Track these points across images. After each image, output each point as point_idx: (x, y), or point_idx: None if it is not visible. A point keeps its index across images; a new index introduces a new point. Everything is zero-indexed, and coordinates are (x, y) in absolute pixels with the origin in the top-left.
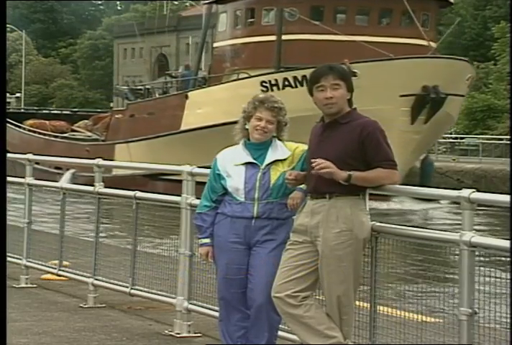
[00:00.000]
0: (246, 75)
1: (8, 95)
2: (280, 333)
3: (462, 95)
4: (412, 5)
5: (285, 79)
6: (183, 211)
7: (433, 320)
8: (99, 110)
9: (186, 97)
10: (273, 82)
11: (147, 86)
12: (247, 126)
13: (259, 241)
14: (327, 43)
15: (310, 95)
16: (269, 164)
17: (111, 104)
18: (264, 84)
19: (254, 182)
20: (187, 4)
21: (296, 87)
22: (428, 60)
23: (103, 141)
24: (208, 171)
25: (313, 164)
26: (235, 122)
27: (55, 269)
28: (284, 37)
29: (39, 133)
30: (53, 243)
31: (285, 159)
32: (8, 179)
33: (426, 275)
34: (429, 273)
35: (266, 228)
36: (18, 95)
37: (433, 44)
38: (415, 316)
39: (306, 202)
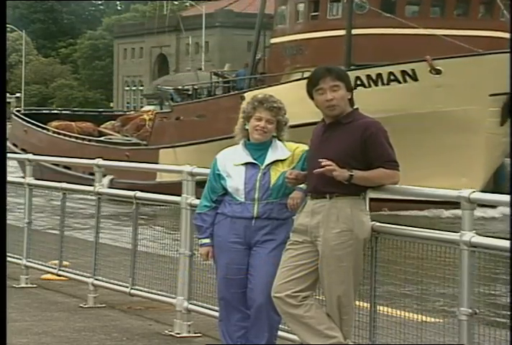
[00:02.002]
0: None
1: (8, 95)
2: (280, 333)
3: None
4: None
5: (357, 78)
6: (183, 211)
7: (433, 320)
8: (147, 109)
9: (242, 98)
10: None
11: (195, 86)
12: (246, 127)
13: (259, 241)
14: (401, 38)
15: (310, 98)
16: (269, 164)
17: (111, 104)
18: None
19: (254, 182)
20: (187, 4)
21: (370, 86)
22: None
23: (145, 145)
24: (207, 171)
25: (322, 163)
26: (300, 125)
27: (55, 269)
28: (352, 32)
29: (70, 136)
30: (53, 243)
31: (285, 160)
32: (9, 179)
33: (426, 275)
34: (429, 273)
35: (266, 229)
36: (18, 95)
37: None
38: (415, 316)
39: (306, 202)
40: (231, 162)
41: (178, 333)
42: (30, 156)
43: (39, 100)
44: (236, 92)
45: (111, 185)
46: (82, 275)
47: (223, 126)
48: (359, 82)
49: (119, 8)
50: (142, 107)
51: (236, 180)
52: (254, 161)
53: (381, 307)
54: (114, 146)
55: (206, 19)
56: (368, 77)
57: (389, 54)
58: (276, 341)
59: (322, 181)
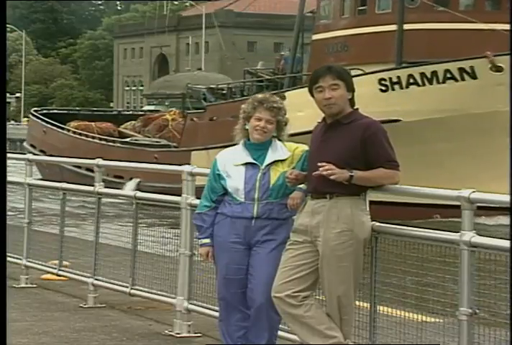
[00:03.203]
0: (360, 72)
1: (8, 95)
2: (280, 333)
3: None
4: None
5: (410, 76)
6: (183, 211)
7: (433, 320)
8: (146, 108)
9: (283, 98)
10: (395, 79)
11: (230, 85)
12: (246, 127)
13: (259, 241)
14: (456, 33)
15: (311, 96)
16: (269, 164)
17: (111, 104)
18: (383, 82)
19: (254, 182)
20: (187, 4)
21: (424, 85)
22: None
23: (175, 147)
24: (207, 171)
25: (320, 169)
26: None
27: (55, 269)
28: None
29: (93, 137)
30: (53, 243)
31: (284, 160)
32: (9, 179)
33: (426, 275)
34: (429, 273)
35: (266, 229)
36: (18, 95)
37: None
38: (415, 316)
39: (307, 202)
40: (231, 162)
41: (178, 333)
42: (30, 156)
43: (39, 100)
44: (276, 91)
45: (138, 188)
46: (82, 275)
47: None
48: (412, 80)
49: (119, 8)
50: (141, 107)
51: (236, 180)
52: (254, 161)
53: (381, 307)
54: (142, 148)
55: (205, 19)
56: (422, 75)
57: (443, 50)
58: (276, 341)
59: (322, 181)
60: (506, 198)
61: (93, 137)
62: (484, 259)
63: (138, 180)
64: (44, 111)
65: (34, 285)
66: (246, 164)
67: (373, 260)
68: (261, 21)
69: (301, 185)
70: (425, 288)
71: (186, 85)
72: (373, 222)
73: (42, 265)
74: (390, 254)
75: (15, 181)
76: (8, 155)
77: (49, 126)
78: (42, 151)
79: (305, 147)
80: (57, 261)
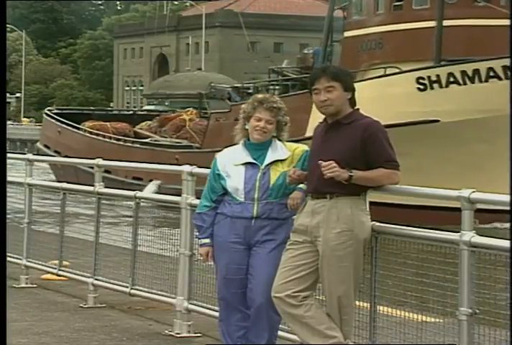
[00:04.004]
0: (396, 70)
1: (8, 95)
2: (280, 333)
3: None
4: None
5: (450, 74)
6: (183, 211)
7: (433, 320)
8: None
9: None
10: (434, 78)
11: (256, 84)
12: (246, 127)
13: (259, 241)
14: (498, 29)
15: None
16: (269, 164)
17: (111, 104)
18: (421, 81)
19: (254, 182)
20: (187, 4)
21: (465, 84)
22: None
23: (197, 148)
24: (207, 171)
25: (323, 169)
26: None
27: (55, 269)
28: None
29: (111, 137)
30: (53, 243)
31: (284, 160)
32: (9, 179)
33: (426, 275)
34: (429, 273)
35: (266, 228)
36: (18, 95)
37: None
38: (415, 316)
39: (307, 202)
40: (231, 162)
41: (178, 333)
42: (30, 156)
43: (39, 100)
44: (305, 91)
45: (159, 191)
46: (82, 275)
47: (290, 128)
48: (452, 79)
49: (118, 8)
50: (142, 107)
51: (235, 180)
52: (253, 161)
53: (381, 307)
54: (162, 149)
55: (206, 19)
56: (463, 73)
57: (484, 47)
58: (276, 341)
59: (322, 181)
60: (506, 198)
61: (111, 138)
62: (484, 259)
63: (159, 181)
64: (58, 111)
65: (34, 285)
66: (246, 164)
67: (373, 260)
68: (261, 21)
69: (301, 185)
70: (425, 288)
71: (209, 84)
72: (373, 222)
73: (42, 265)
74: (390, 254)
75: (15, 181)
76: (9, 155)
77: (64, 126)
78: (56, 152)
79: (305, 147)
80: (57, 261)
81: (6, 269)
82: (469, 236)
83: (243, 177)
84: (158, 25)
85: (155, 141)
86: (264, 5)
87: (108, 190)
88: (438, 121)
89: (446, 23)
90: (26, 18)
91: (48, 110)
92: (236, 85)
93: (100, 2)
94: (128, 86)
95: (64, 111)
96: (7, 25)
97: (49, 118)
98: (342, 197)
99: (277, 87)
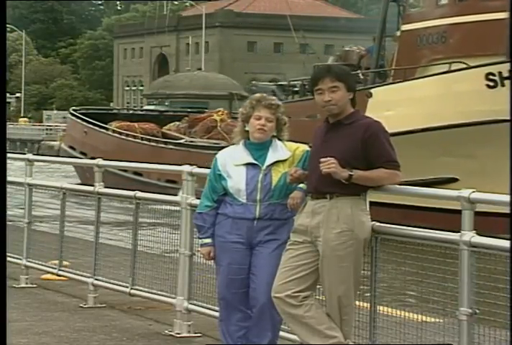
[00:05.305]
0: (463, 66)
1: (8, 95)
2: (280, 333)
3: None
4: None
5: None
6: (183, 211)
7: (433, 320)
8: (190, 110)
9: (369, 95)
10: (505, 74)
11: (304, 81)
12: (246, 128)
13: (261, 241)
14: None
15: (313, 97)
16: (270, 165)
17: (111, 104)
18: (491, 77)
19: (256, 183)
20: (187, 4)
21: None
22: None
23: None
24: (207, 171)
25: (321, 165)
26: (445, 127)
27: (55, 269)
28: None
29: (142, 138)
30: (53, 243)
31: (285, 160)
32: (8, 179)
33: (426, 275)
34: (429, 273)
35: (268, 229)
36: (18, 95)
37: None
38: (415, 316)
39: (307, 202)
40: (232, 162)
41: (178, 333)
42: (30, 156)
43: (39, 100)
44: (361, 88)
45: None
46: (82, 275)
47: None
48: None
49: (118, 8)
50: (142, 107)
51: (237, 181)
52: (254, 161)
53: (381, 307)
54: (198, 150)
55: (205, 19)
56: None
57: None
58: (277, 341)
59: (322, 181)
60: (506, 198)
61: (142, 138)
62: (484, 259)
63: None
64: (83, 111)
65: (34, 285)
66: (247, 164)
67: (373, 260)
68: (261, 21)
69: (301, 185)
70: (425, 288)
71: (250, 82)
72: (373, 222)
73: (42, 265)
74: (390, 254)
75: (15, 181)
76: (8, 155)
77: (90, 126)
78: (82, 153)
79: (306, 147)
80: (57, 261)
81: (6, 269)
82: (469, 236)
83: (244, 178)
84: (158, 25)
85: (190, 142)
86: (264, 5)
87: (108, 190)
88: (509, 120)
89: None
90: (26, 18)
91: (73, 110)
92: (281, 82)
93: (100, 2)
94: (128, 86)
95: (89, 111)
96: (7, 25)
97: (74, 118)
98: (342, 197)
99: None
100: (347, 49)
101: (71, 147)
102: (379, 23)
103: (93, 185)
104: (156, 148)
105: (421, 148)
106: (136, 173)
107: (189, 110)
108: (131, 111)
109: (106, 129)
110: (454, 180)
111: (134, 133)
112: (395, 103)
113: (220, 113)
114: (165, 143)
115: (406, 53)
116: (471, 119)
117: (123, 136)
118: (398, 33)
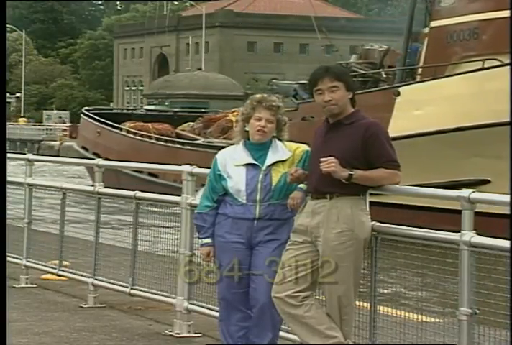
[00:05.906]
0: (497, 63)
1: (8, 95)
2: (280, 333)
3: None
4: None
5: None
6: (183, 211)
7: (433, 320)
8: (203, 110)
9: (396, 94)
10: None
11: None
12: (246, 128)
13: (261, 241)
14: None
15: (312, 97)
16: (270, 165)
17: (111, 104)
18: None
19: (256, 183)
20: (187, 4)
21: None
22: None
23: None
24: (207, 171)
25: (322, 164)
26: (478, 127)
27: (55, 269)
28: None
29: (158, 139)
30: (53, 243)
31: (285, 160)
32: (9, 179)
33: (426, 275)
34: (429, 273)
35: (268, 229)
36: (18, 95)
37: None
38: (415, 316)
39: (307, 202)
40: (231, 162)
41: (178, 333)
42: (30, 156)
43: (39, 100)
44: (389, 86)
45: None
46: (82, 275)
47: None
48: None
49: (118, 8)
50: (142, 107)
51: (237, 182)
52: (254, 162)
53: (381, 307)
54: (216, 151)
55: (205, 19)
56: None
57: None
58: (277, 341)
59: (322, 181)
60: (506, 198)
61: (158, 139)
62: (484, 259)
63: None
64: (96, 111)
65: (34, 285)
66: (247, 165)
67: (373, 260)
68: (261, 21)
69: (301, 185)
70: (425, 288)
71: (270, 81)
72: (373, 222)
73: (42, 265)
74: (390, 254)
75: (15, 181)
76: (9, 155)
77: (104, 126)
78: (95, 154)
79: (306, 147)
80: (57, 261)
81: (6, 269)
82: (469, 236)
83: (244, 179)
84: (158, 25)
85: (208, 142)
86: (264, 5)
87: (108, 190)
88: None
89: None
90: (26, 18)
91: (86, 110)
92: (302, 81)
93: (100, 2)
94: (128, 86)
95: (102, 111)
96: (7, 25)
97: (87, 118)
98: (342, 197)
99: None
100: (368, 47)
101: (84, 148)
102: (406, 21)
103: (110, 187)
104: (172, 149)
105: (452, 148)
106: (151, 174)
107: (203, 110)
108: (143, 112)
109: (120, 129)
110: (486, 181)
111: (148, 133)
112: (424, 102)
113: (235, 113)
114: (182, 143)
115: (436, 50)
116: (505, 119)
117: (137, 137)
118: (426, 30)
